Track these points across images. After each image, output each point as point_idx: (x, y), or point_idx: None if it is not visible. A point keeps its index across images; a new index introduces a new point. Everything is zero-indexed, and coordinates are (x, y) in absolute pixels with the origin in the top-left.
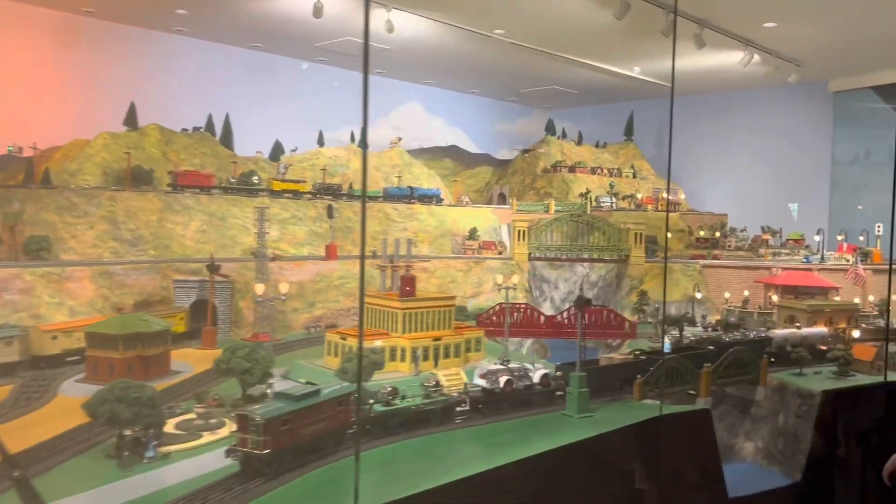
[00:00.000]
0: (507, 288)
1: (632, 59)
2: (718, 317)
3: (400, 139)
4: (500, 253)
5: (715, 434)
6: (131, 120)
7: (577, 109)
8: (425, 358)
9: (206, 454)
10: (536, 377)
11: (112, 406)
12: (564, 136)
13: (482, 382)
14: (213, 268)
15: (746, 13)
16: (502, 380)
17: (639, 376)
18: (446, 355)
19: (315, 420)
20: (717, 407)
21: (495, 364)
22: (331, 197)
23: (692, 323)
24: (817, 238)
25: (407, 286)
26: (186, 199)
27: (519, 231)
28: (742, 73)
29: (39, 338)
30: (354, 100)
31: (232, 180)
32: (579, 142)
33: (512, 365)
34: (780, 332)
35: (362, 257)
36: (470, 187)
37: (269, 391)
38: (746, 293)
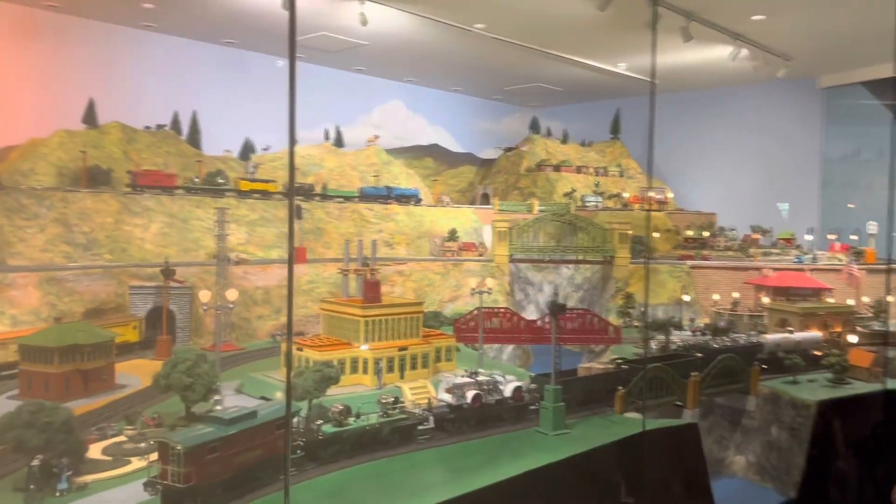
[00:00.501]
0: (481, 292)
1: (617, 54)
2: (707, 320)
3: (377, 137)
4: (480, 255)
5: (703, 450)
6: (90, 117)
7: (563, 107)
8: (390, 370)
9: (133, 483)
10: (508, 391)
11: (20, 432)
12: (549, 134)
13: (447, 398)
14: (167, 273)
15: (735, 5)
16: (470, 394)
17: (620, 388)
18: (413, 366)
19: (250, 446)
20: (706, 418)
21: (462, 376)
22: (302, 197)
23: (678, 327)
24: (808, 237)
25: (371, 291)
26: (146, 201)
27: (499, 232)
28: (731, 69)
29: None
30: (331, 97)
31: (196, 180)
32: (564, 140)
33: (481, 377)
34: (771, 338)
35: (291, 261)
36: (452, 187)
37: (218, 408)
38: (736, 295)
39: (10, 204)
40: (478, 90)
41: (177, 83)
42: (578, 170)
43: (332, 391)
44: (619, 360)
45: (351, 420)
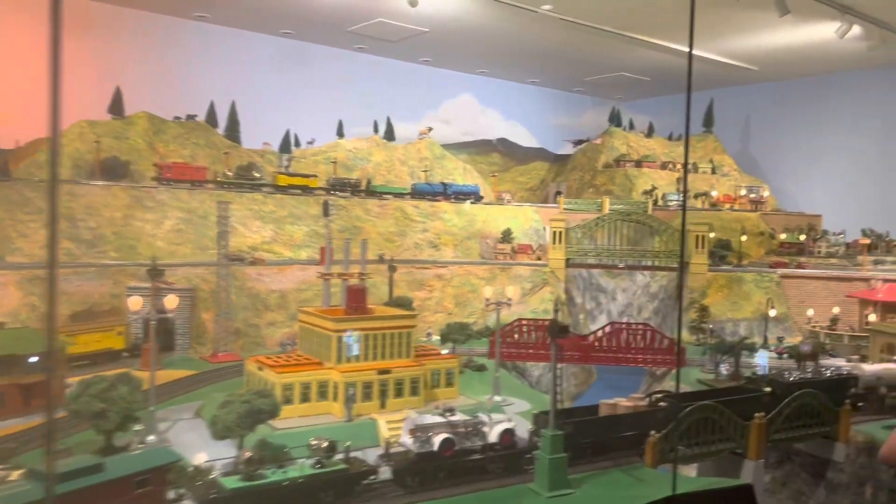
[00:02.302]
0: (499, 303)
1: (709, 37)
2: (801, 338)
3: (430, 129)
4: (538, 258)
5: None
6: (117, 107)
7: (651, 100)
8: (367, 397)
9: None
10: (494, 434)
11: None
12: (632, 127)
13: (408, 442)
14: (154, 273)
15: None
16: (437, 439)
17: (653, 432)
18: (399, 393)
19: None
20: (782, 466)
21: (433, 414)
22: (348, 192)
23: (751, 348)
24: None
25: (354, 300)
26: (160, 195)
27: (555, 232)
28: (841, 51)
29: None
30: (384, 89)
31: (228, 173)
32: (649, 134)
33: (456, 417)
34: (870, 368)
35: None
36: (521, 185)
37: (146, 440)
38: (836, 310)
39: (13, 197)
40: (556, 82)
41: (219, 73)
42: (664, 166)
43: (299, 420)
44: (660, 395)
45: (268, 472)
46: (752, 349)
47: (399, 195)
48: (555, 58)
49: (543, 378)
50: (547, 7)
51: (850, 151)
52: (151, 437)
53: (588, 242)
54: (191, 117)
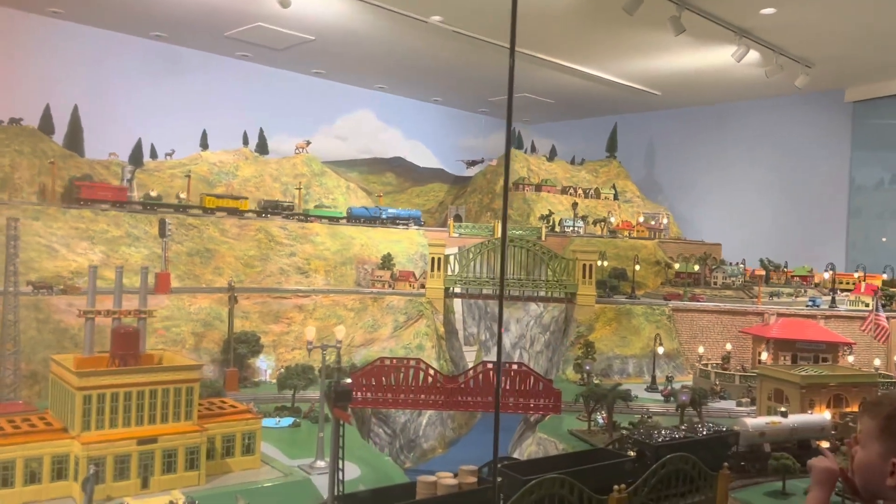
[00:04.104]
0: (324, 347)
1: (609, 58)
2: (691, 377)
3: (309, 143)
4: (421, 286)
5: None
6: None
7: (557, 123)
8: (122, 474)
9: None
10: None
11: None
12: (534, 150)
13: None
14: None
15: None
16: None
17: None
18: (170, 468)
19: None
20: None
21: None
22: (280, 216)
23: (626, 398)
24: (825, 275)
25: (121, 346)
26: None
27: (434, 259)
28: (742, 79)
29: None
30: (269, 101)
31: (152, 194)
32: (551, 157)
33: None
34: (752, 423)
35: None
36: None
37: None
38: (729, 347)
39: None
40: (459, 101)
41: (68, 76)
42: (564, 191)
43: None
44: (503, 465)
45: None
46: (627, 398)
47: (334, 219)
48: (456, 76)
49: (410, 424)
50: (437, 18)
51: (750, 180)
52: None
53: (474, 269)
54: (14, 121)
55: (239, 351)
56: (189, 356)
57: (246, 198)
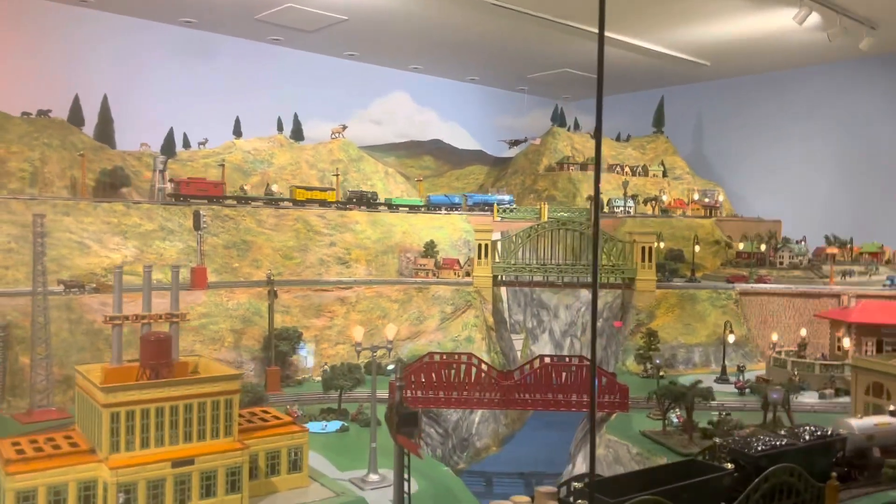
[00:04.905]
0: (374, 349)
1: (655, 28)
2: (764, 368)
3: (345, 127)
4: (467, 274)
5: None
6: None
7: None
8: (154, 500)
9: None
10: None
11: None
12: (577, 127)
13: None
14: None
15: None
16: None
17: None
18: (209, 492)
19: None
20: None
21: None
22: (364, 207)
23: (706, 396)
24: None
25: (151, 356)
26: None
27: (481, 245)
28: (800, 43)
29: None
30: (303, 85)
31: (246, 188)
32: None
33: None
34: (858, 424)
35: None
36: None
37: None
38: (804, 332)
39: None
40: (497, 80)
41: (98, 67)
42: (611, 168)
43: None
44: (579, 484)
45: None
46: (708, 397)
47: (414, 208)
48: (494, 53)
49: (462, 423)
50: None
51: (806, 151)
52: None
53: (522, 255)
54: (43, 113)
55: (280, 348)
56: (228, 355)
57: (333, 189)
